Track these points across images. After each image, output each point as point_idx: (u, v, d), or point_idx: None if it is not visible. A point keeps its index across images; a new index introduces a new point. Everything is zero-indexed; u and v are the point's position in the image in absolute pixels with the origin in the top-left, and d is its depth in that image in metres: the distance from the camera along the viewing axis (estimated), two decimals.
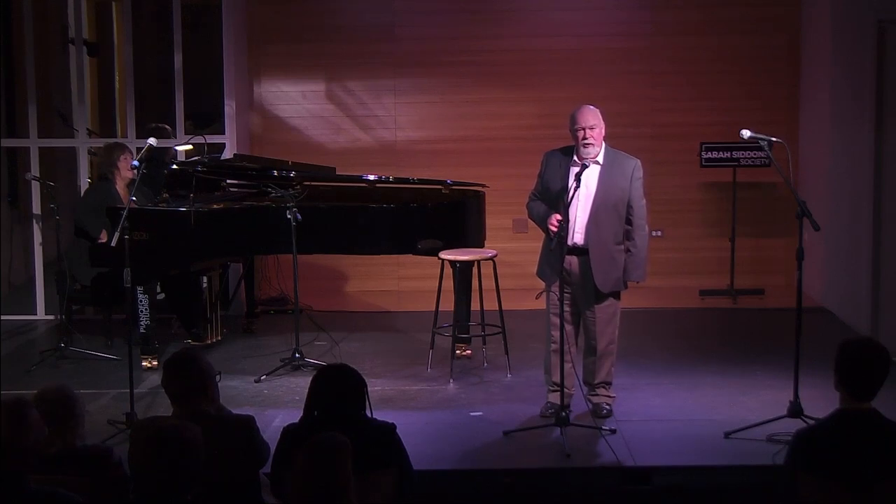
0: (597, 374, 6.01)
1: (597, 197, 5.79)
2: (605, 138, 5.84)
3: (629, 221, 5.85)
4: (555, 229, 5.64)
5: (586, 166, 5.72)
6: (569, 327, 5.88)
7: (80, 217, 7.48)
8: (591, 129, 5.73)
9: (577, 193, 5.67)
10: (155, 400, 6.27)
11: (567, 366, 5.80)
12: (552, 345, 5.89)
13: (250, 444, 4.08)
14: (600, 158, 5.80)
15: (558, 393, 5.81)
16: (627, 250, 5.88)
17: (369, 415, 4.14)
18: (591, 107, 5.84)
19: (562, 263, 5.72)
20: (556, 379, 5.80)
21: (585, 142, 5.74)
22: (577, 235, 5.82)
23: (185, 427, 3.36)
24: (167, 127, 8.67)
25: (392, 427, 4.13)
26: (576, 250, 5.82)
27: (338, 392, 4.07)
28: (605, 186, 5.79)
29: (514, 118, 9.26)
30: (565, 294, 5.82)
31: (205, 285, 7.40)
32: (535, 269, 6.04)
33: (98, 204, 7.35)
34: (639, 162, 5.89)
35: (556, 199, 5.79)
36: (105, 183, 7.59)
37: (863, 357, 3.80)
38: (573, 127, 5.78)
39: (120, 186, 7.55)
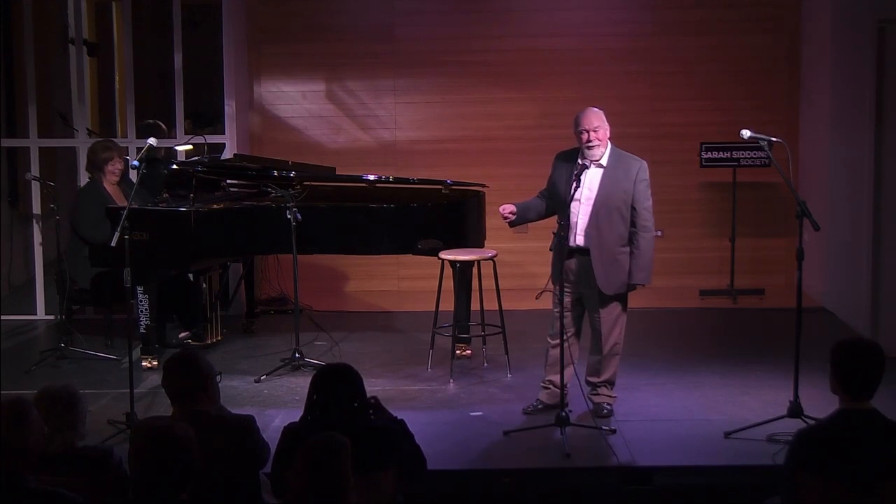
0: (602, 373, 6.01)
1: (598, 198, 5.78)
2: (611, 139, 5.85)
3: (633, 223, 5.82)
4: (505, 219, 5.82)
5: (586, 167, 5.72)
6: (571, 328, 5.88)
7: (82, 229, 7.37)
8: (595, 130, 5.73)
9: (579, 194, 5.69)
10: (155, 400, 6.27)
11: (568, 368, 5.81)
12: (554, 342, 5.90)
13: (250, 445, 4.08)
14: (604, 160, 5.79)
15: (549, 391, 5.88)
16: (631, 252, 5.86)
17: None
18: (595, 108, 5.83)
19: (562, 264, 5.73)
20: (551, 377, 5.83)
21: (589, 144, 5.75)
22: (579, 237, 5.82)
23: (177, 426, 3.38)
24: (161, 124, 8.63)
25: (397, 425, 4.13)
26: (578, 251, 5.83)
27: (338, 391, 4.07)
28: (606, 188, 5.78)
29: (514, 118, 9.25)
30: (568, 293, 5.83)
31: (205, 285, 7.39)
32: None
33: (96, 215, 7.23)
34: (645, 164, 5.87)
35: (561, 199, 5.81)
36: (94, 186, 7.48)
37: (856, 356, 3.80)
38: (576, 129, 5.79)
39: (107, 184, 7.49)
